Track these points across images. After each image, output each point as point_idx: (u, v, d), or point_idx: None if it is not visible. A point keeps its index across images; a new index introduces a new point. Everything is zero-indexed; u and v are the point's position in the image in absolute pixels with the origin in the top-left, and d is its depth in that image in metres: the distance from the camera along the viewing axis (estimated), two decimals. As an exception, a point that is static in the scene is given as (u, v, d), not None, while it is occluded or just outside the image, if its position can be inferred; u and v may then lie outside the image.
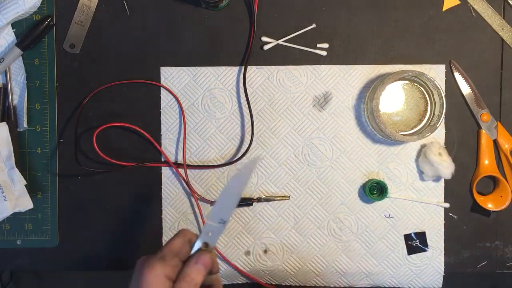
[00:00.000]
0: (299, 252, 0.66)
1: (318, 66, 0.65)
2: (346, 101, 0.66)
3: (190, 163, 0.66)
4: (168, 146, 0.66)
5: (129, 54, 0.66)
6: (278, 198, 0.66)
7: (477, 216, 0.66)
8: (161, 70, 0.66)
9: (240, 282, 0.67)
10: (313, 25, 0.65)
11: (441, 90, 0.61)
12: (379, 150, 0.66)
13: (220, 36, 0.66)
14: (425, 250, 0.66)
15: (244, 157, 0.65)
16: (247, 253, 0.66)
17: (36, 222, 0.66)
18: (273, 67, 0.65)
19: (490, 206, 0.65)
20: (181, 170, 0.65)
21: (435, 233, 0.66)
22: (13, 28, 0.65)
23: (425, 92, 0.64)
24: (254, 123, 0.65)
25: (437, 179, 0.66)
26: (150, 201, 0.66)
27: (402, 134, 0.63)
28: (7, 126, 0.64)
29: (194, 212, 0.66)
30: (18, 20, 0.65)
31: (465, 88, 0.65)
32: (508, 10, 0.65)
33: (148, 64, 0.66)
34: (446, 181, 0.66)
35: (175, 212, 0.66)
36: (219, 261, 0.66)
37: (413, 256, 0.66)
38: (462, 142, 0.66)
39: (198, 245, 0.46)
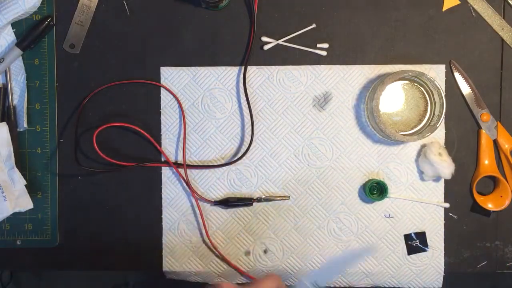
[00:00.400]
0: (299, 252, 0.66)
1: (318, 66, 0.65)
2: (346, 101, 0.66)
3: (190, 163, 0.66)
4: (168, 146, 0.66)
5: (129, 54, 0.66)
6: (278, 198, 0.66)
7: (477, 216, 0.66)
8: (161, 70, 0.66)
9: (240, 282, 0.67)
10: (313, 25, 0.65)
11: (441, 90, 0.61)
12: (379, 150, 0.66)
13: (220, 36, 0.66)
14: (425, 250, 0.66)
15: (244, 157, 0.65)
16: (247, 253, 0.66)
17: (36, 222, 0.66)
18: (273, 67, 0.65)
19: (490, 206, 0.65)
20: (181, 170, 0.65)
21: (435, 233, 0.66)
22: (13, 28, 0.65)
23: (425, 92, 0.64)
24: (254, 123, 0.65)
25: (437, 179, 0.66)
26: (150, 201, 0.66)
27: (402, 134, 0.63)
28: (7, 126, 0.64)
29: (194, 212, 0.66)
30: (18, 20, 0.65)
31: (465, 88, 0.65)
32: (508, 10, 0.65)
33: (148, 64, 0.66)
34: (446, 181, 0.65)
35: (175, 212, 0.66)
36: (218, 260, 0.66)
37: (413, 256, 0.66)
38: (462, 142, 0.66)
39: None
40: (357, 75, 0.65)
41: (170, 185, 0.66)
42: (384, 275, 0.66)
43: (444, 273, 0.66)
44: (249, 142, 0.65)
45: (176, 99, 0.66)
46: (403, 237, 0.66)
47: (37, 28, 0.64)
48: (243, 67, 0.65)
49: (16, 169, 0.63)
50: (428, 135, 0.61)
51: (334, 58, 0.65)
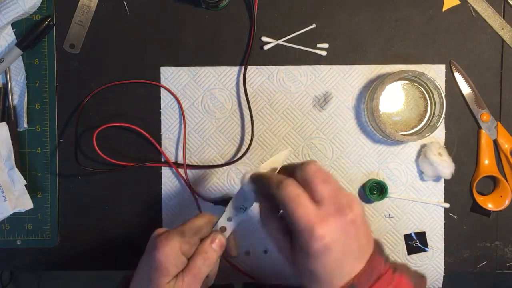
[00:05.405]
0: (299, 252, 0.66)
1: (318, 66, 0.65)
2: (346, 101, 0.66)
3: (190, 163, 0.66)
4: (168, 146, 0.66)
5: (129, 54, 0.66)
6: (278, 198, 0.66)
7: (477, 216, 0.66)
8: (161, 70, 0.66)
9: (240, 282, 0.67)
10: (313, 25, 0.65)
11: (441, 90, 0.61)
12: (379, 150, 0.66)
13: (220, 36, 0.66)
14: (425, 250, 0.66)
15: (244, 157, 0.65)
16: (247, 253, 0.66)
17: (36, 222, 0.66)
18: (273, 67, 0.65)
19: (490, 206, 0.65)
20: (181, 170, 0.65)
21: (435, 233, 0.66)
22: (13, 28, 0.65)
23: (425, 92, 0.64)
24: (254, 123, 0.65)
25: (437, 179, 0.66)
26: (150, 201, 0.66)
27: (402, 134, 0.63)
28: (7, 126, 0.64)
29: (194, 212, 0.66)
30: (18, 20, 0.65)
31: (465, 88, 0.65)
32: (508, 10, 0.65)
33: (148, 64, 0.66)
34: (446, 181, 0.66)
35: (175, 212, 0.66)
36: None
37: (413, 256, 0.66)
38: (462, 142, 0.66)
39: (217, 227, 0.48)
40: (357, 75, 0.65)
41: (170, 185, 0.66)
42: (384, 275, 0.66)
43: (444, 273, 0.66)
44: (249, 142, 0.65)
45: (176, 99, 0.66)
46: (403, 237, 0.66)
47: (37, 28, 0.64)
48: (243, 67, 0.65)
49: (16, 169, 0.63)
50: (428, 135, 0.61)
51: (334, 58, 0.65)
